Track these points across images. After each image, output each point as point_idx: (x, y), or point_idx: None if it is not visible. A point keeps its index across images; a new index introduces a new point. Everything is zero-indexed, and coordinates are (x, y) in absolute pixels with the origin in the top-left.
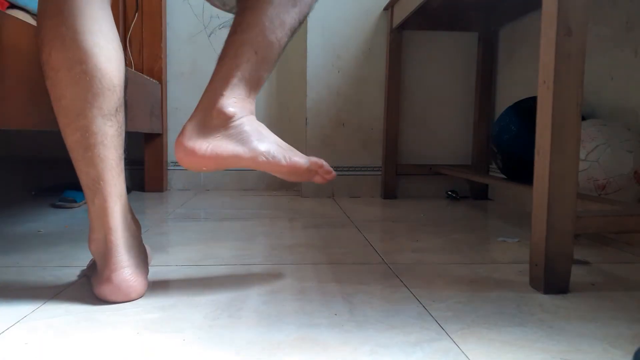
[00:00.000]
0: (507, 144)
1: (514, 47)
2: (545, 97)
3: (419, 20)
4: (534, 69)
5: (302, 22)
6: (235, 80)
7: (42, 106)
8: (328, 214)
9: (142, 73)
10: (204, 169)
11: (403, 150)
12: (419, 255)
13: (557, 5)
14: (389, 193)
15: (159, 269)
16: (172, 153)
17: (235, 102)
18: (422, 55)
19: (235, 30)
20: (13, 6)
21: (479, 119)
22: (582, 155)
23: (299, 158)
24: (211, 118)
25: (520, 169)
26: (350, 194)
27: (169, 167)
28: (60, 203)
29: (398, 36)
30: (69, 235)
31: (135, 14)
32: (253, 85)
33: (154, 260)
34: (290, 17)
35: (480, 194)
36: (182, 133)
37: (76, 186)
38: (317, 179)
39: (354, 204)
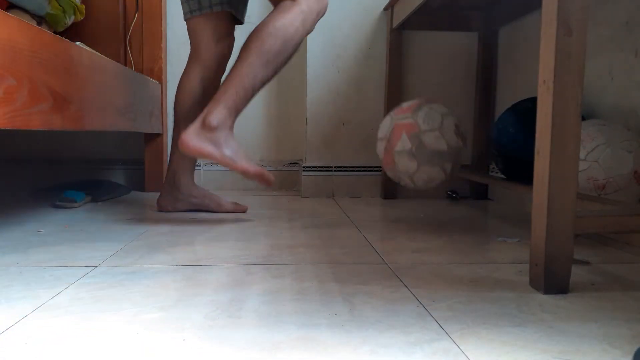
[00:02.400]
0: (507, 146)
1: (514, 47)
2: (545, 97)
3: (419, 20)
4: (534, 68)
5: (276, 73)
6: (221, 105)
7: (42, 106)
8: (328, 214)
9: (142, 73)
10: (193, 155)
11: None
12: (419, 255)
13: (557, 5)
14: (389, 193)
15: (159, 269)
16: None
17: (219, 120)
18: (422, 55)
19: (230, 71)
20: (13, 6)
21: (479, 118)
22: (582, 155)
23: (247, 165)
24: (203, 125)
25: (520, 171)
26: (350, 194)
27: None
28: (60, 203)
29: (398, 36)
30: (69, 235)
31: (135, 14)
32: (232, 112)
33: (154, 260)
34: (262, 74)
35: (480, 194)
36: (186, 129)
37: (76, 186)
38: (262, 182)
39: (354, 204)
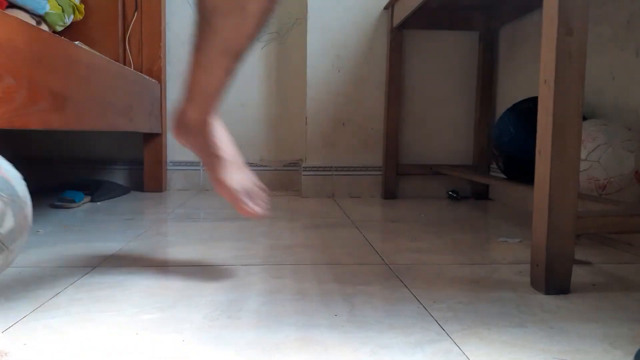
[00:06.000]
0: (507, 146)
1: (515, 47)
2: (546, 97)
3: (419, 19)
4: (535, 68)
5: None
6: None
7: (41, 106)
8: (328, 214)
9: (142, 73)
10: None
11: (403, 150)
12: (419, 256)
13: (558, 5)
14: (389, 193)
15: (158, 269)
16: (171, 153)
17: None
18: (423, 54)
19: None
20: (12, 6)
21: (480, 118)
22: (583, 155)
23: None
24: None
25: (521, 171)
26: (350, 194)
27: (168, 167)
28: (59, 203)
29: (398, 35)
30: (69, 235)
31: (134, 14)
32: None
33: (153, 260)
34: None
35: (481, 194)
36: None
37: (75, 186)
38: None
39: (354, 204)
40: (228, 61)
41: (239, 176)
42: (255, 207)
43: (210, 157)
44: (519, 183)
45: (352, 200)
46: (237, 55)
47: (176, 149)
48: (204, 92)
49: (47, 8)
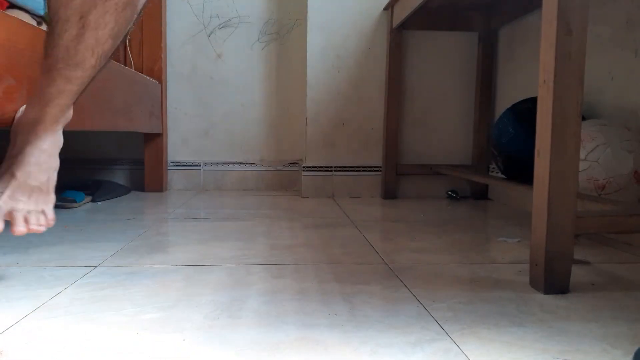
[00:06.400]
0: (506, 146)
1: (514, 47)
2: (545, 97)
3: (419, 20)
4: (534, 68)
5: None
6: None
7: None
8: (328, 214)
9: (142, 73)
10: None
11: (403, 150)
12: (419, 255)
13: (558, 5)
14: (389, 193)
15: (159, 269)
16: (172, 153)
17: None
18: (422, 55)
19: None
20: (13, 6)
21: (480, 118)
22: (582, 155)
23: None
24: None
25: (520, 171)
26: (350, 194)
27: (169, 167)
28: (60, 203)
29: (398, 36)
30: (69, 235)
31: None
32: None
33: (154, 260)
34: None
35: (480, 194)
36: None
37: (76, 186)
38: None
39: (354, 204)
40: (67, 70)
41: (19, 196)
42: (19, 227)
43: (7, 164)
44: (518, 183)
45: (352, 200)
46: (76, 66)
47: (177, 149)
48: (44, 95)
49: None
